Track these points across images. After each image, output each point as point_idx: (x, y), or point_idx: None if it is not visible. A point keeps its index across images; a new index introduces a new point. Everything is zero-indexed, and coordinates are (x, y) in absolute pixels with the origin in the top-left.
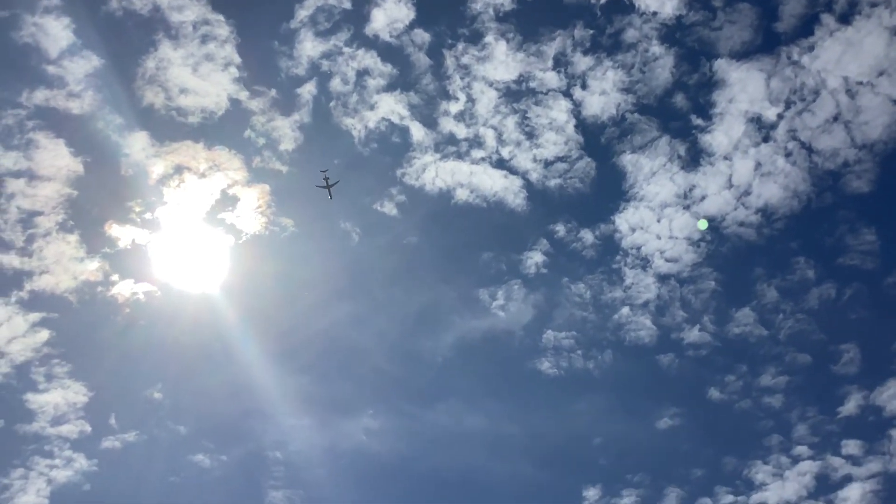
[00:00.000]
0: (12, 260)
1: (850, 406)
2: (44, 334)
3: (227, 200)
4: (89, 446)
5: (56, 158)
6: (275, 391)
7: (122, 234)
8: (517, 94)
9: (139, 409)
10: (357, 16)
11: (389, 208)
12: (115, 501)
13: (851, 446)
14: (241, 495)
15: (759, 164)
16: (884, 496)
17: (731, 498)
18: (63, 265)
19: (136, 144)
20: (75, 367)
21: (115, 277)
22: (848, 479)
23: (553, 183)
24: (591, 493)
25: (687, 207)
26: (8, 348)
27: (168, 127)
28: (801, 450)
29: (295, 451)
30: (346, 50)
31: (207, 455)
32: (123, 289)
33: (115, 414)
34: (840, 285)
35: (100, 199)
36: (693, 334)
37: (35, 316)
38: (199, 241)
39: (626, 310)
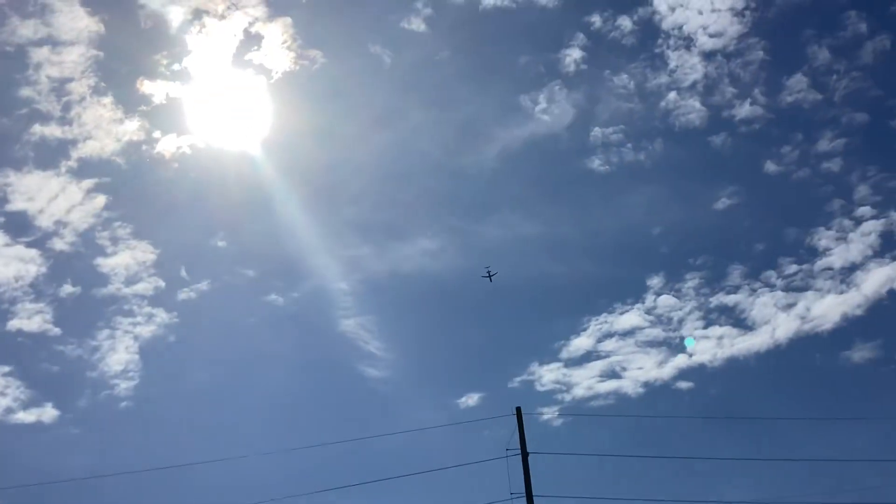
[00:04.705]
0: (54, 130)
1: None
2: (100, 199)
3: (252, 39)
4: (166, 300)
5: (74, 20)
6: (330, 226)
7: (154, 89)
8: None
9: (207, 260)
10: None
11: (417, 24)
12: (202, 348)
13: None
14: (316, 327)
15: None
16: None
17: (795, 267)
18: (104, 129)
19: None
20: (137, 227)
21: (157, 134)
22: None
23: None
24: (655, 282)
25: None
26: (69, 217)
27: None
28: (864, 210)
29: (358, 280)
30: None
31: (279, 294)
32: (168, 145)
33: (185, 266)
34: (894, 35)
35: (126, 56)
36: (744, 109)
37: (88, 183)
38: (231, 86)
39: (672, 94)
